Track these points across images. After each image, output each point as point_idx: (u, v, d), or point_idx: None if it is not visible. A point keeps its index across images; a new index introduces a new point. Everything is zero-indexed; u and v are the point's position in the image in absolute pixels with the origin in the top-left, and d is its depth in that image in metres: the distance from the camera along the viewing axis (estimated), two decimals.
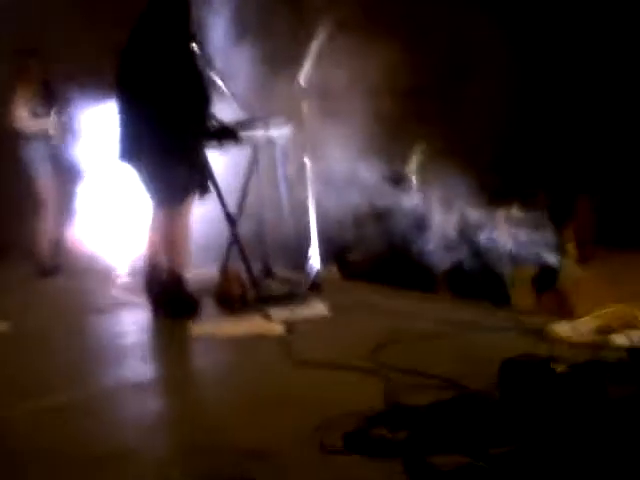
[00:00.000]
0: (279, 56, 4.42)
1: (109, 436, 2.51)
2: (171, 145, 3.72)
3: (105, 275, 5.63)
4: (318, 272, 4.44)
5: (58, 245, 5.95)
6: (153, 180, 3.87)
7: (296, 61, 4.00)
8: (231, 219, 4.32)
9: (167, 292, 3.92)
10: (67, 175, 5.85)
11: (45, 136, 5.66)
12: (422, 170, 5.53)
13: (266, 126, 4.02)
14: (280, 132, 4.09)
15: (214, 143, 4.02)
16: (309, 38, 3.91)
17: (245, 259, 4.38)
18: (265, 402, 2.69)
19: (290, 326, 3.60)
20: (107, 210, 6.49)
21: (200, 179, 3.87)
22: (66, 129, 5.71)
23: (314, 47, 3.86)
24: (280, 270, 4.75)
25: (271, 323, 3.65)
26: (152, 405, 2.90)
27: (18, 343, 3.74)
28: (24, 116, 5.56)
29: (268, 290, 4.35)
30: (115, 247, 6.29)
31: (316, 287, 4.45)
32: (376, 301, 4.16)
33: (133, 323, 4.17)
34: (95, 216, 6.50)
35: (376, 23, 4.62)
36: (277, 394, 2.75)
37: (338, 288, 4.59)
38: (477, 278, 4.64)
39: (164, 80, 3.68)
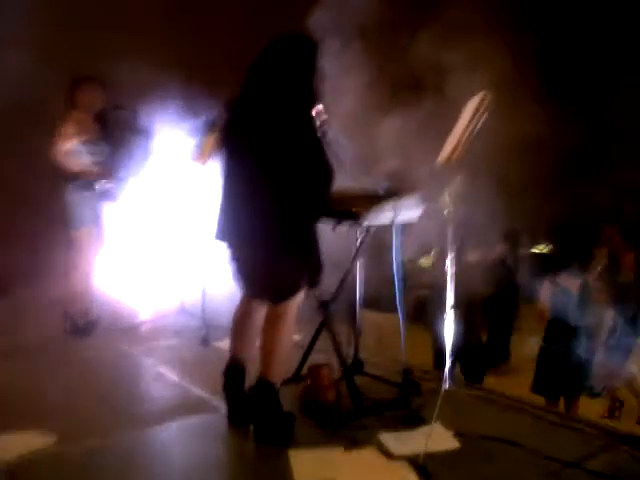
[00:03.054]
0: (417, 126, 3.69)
1: None
2: (287, 228, 2.95)
3: (150, 339, 4.90)
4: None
5: (92, 299, 5.20)
6: (257, 269, 3.12)
7: (438, 134, 3.27)
8: (324, 302, 3.60)
9: (256, 405, 3.15)
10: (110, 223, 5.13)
11: (93, 176, 4.91)
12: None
13: (396, 205, 3.24)
14: (410, 214, 3.33)
15: (329, 222, 3.29)
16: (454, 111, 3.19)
17: (340, 353, 3.63)
18: None
19: (423, 472, 2.82)
20: (153, 263, 5.85)
21: (314, 270, 3.13)
22: (119, 170, 4.98)
23: (463, 124, 3.11)
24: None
25: (396, 465, 2.88)
26: None
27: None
28: (71, 151, 4.80)
29: (366, 396, 3.61)
30: (161, 306, 5.61)
31: (414, 390, 3.74)
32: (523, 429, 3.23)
33: (207, 438, 3.25)
34: (138, 268, 5.85)
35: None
36: None
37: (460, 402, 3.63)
38: None
39: (285, 148, 2.90)
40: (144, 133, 5.23)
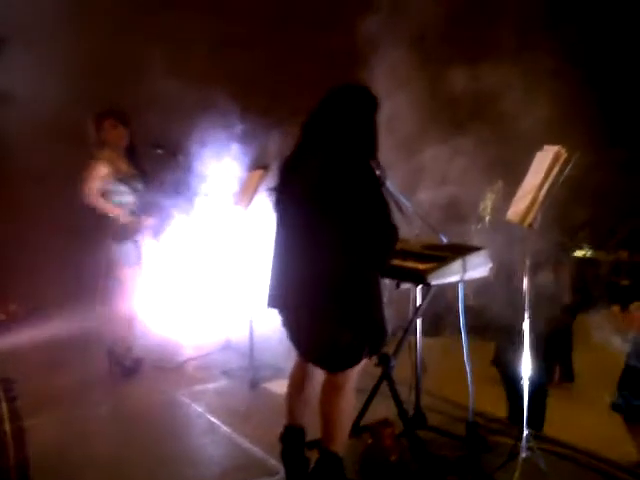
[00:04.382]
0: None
1: None
2: (348, 293, 2.72)
3: (196, 380, 4.74)
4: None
5: (136, 337, 5.06)
6: (314, 337, 2.88)
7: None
8: (385, 356, 3.37)
9: (321, 477, 2.95)
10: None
11: (131, 226, 4.73)
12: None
13: (465, 264, 2.98)
14: (478, 271, 3.08)
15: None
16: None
17: (401, 410, 3.42)
18: None
19: None
20: (197, 298, 5.70)
21: (377, 337, 2.90)
22: (160, 208, 4.80)
23: (536, 181, 2.85)
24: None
25: None
26: None
27: None
28: (103, 191, 4.64)
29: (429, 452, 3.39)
30: (207, 343, 5.45)
31: (482, 445, 3.51)
32: None
33: None
34: (182, 304, 5.71)
35: None
36: None
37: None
38: None
39: (348, 205, 2.67)
40: (186, 171, 5.04)
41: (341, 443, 2.90)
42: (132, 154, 4.79)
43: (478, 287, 4.62)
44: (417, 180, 4.67)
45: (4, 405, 2.63)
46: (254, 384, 4.54)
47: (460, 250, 3.01)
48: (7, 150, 6.20)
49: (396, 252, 2.90)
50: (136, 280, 4.79)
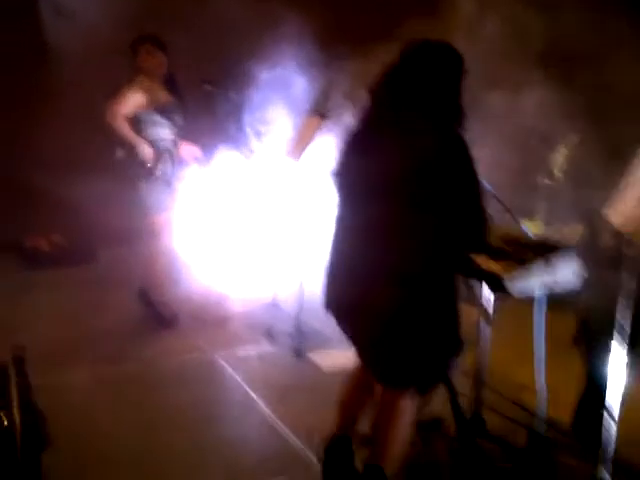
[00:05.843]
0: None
1: None
2: (425, 298, 2.29)
3: (237, 342, 4.43)
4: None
5: (173, 289, 4.76)
6: (379, 348, 2.42)
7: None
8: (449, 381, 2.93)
9: None
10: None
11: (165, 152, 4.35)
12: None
13: (554, 269, 2.45)
14: (568, 276, 2.54)
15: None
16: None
17: (458, 414, 3.00)
18: None
19: None
20: (244, 250, 5.32)
21: (451, 350, 2.48)
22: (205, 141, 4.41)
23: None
24: None
25: None
26: None
27: None
28: (131, 117, 4.25)
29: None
30: (251, 299, 5.11)
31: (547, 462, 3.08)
32: None
33: None
34: (226, 256, 5.35)
35: None
36: None
37: None
38: None
39: (438, 187, 2.20)
40: (238, 109, 4.58)
41: (391, 463, 2.52)
42: (171, 83, 4.40)
43: None
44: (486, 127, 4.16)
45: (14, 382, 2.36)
46: (299, 353, 4.20)
47: (547, 249, 2.49)
48: (62, 65, 5.86)
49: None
50: (170, 227, 4.44)
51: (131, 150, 4.26)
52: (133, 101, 4.25)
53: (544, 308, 2.69)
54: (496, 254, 2.54)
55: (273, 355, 4.25)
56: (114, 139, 4.30)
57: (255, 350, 4.31)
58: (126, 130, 4.23)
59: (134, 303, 4.64)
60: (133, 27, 4.78)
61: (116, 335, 4.39)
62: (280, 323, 4.61)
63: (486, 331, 3.11)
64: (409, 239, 2.27)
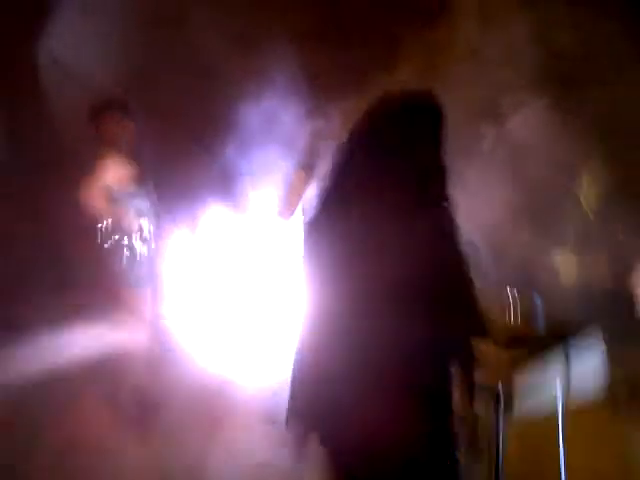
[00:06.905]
0: None
1: None
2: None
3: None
4: None
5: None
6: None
7: None
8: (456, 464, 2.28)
9: None
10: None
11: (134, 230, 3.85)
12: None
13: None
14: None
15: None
16: None
17: None
18: None
19: None
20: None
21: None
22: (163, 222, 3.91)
23: None
24: None
25: None
26: None
27: None
28: (103, 198, 3.75)
29: None
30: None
31: None
32: None
33: None
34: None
35: None
36: None
37: None
38: None
39: (417, 246, 1.88)
40: (223, 170, 4.13)
41: None
42: (139, 156, 3.92)
43: None
44: None
45: None
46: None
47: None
48: None
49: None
50: (149, 304, 3.89)
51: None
52: (105, 179, 3.82)
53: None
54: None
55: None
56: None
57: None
58: (106, 208, 3.80)
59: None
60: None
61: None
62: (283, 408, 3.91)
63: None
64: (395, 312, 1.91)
